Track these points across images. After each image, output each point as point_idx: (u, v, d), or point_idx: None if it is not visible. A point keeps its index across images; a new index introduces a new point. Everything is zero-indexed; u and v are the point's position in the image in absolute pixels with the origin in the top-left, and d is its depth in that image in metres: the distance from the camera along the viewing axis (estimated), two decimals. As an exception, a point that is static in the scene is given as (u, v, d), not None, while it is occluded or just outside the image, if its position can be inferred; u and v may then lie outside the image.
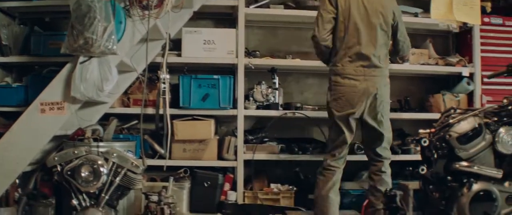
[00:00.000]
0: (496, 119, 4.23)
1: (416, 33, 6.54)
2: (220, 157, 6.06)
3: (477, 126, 4.13)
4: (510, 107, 4.27)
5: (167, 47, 5.68)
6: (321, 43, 4.96)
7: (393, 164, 5.22)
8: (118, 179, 4.42)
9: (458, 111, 4.38)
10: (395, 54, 5.38)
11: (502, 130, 4.14)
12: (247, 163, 6.01)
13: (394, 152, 5.89)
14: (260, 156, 6.03)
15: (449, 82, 6.87)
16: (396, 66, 6.19)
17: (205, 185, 5.83)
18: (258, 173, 6.24)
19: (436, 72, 6.70)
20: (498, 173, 4.14)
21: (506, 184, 4.17)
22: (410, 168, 4.41)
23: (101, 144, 4.53)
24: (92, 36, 4.42)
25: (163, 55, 5.68)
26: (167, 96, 5.64)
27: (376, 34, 4.97)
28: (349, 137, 4.99)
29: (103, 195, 4.39)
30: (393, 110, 6.26)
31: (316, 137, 6.43)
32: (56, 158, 4.42)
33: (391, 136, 5.18)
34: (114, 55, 4.70)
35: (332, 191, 4.98)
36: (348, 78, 4.92)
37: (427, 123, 4.58)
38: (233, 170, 6.05)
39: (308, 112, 6.19)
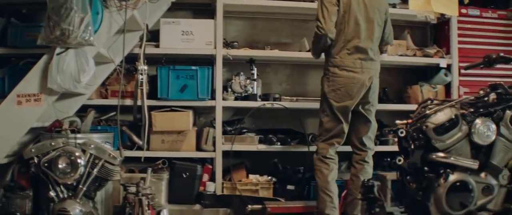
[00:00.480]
0: (472, 110, 4.25)
1: (394, 24, 6.50)
2: (198, 148, 6.06)
3: (453, 117, 4.15)
4: (486, 98, 4.30)
5: (145, 38, 5.65)
6: (329, 35, 4.99)
7: (371, 154, 5.28)
8: (95, 170, 4.41)
9: (435, 101, 4.40)
10: (381, 44, 5.41)
11: (478, 121, 4.16)
12: (225, 154, 6.01)
13: (372, 142, 5.94)
14: (239, 147, 6.03)
15: (427, 73, 6.91)
16: (374, 58, 6.23)
17: (184, 176, 5.85)
18: (237, 164, 6.25)
19: (414, 64, 6.73)
20: (474, 164, 4.17)
21: (482, 175, 4.20)
22: (388, 159, 4.43)
23: (78, 135, 4.52)
24: (69, 27, 4.39)
25: (140, 46, 5.65)
26: (145, 88, 5.64)
27: (374, 29, 5.12)
28: (346, 127, 5.11)
29: (80, 186, 4.38)
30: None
31: (295, 128, 6.42)
32: (33, 150, 4.40)
33: (376, 126, 5.31)
34: (91, 47, 4.68)
35: (334, 180, 5.13)
36: (346, 70, 5.03)
37: (405, 114, 4.61)
38: (211, 161, 6.08)
39: (287, 103, 6.20)
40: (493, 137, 4.18)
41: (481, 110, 4.25)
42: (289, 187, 6.02)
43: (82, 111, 5.41)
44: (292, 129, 6.43)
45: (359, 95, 5.05)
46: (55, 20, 4.42)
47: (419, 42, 6.94)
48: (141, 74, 5.59)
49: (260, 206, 5.58)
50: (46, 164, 4.31)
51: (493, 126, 4.18)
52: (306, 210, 5.53)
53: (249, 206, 5.57)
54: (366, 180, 4.45)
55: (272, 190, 5.98)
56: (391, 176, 5.49)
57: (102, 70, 5.55)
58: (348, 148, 5.35)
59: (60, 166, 4.29)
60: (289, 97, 6.37)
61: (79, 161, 4.31)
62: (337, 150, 5.18)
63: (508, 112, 4.23)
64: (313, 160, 5.20)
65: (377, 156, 5.49)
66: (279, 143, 6.07)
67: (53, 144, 4.39)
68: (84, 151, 4.38)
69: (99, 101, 5.88)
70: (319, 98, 5.22)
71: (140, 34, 5.72)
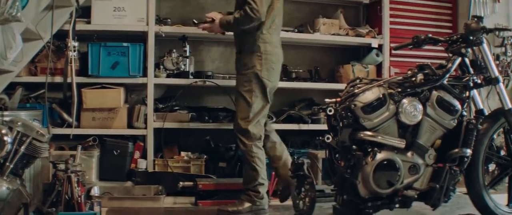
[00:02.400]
0: (400, 89, 4.32)
1: (328, 3, 6.61)
2: (130, 125, 6.03)
3: (381, 96, 4.22)
4: (413, 78, 4.37)
5: (75, 14, 5.60)
6: (262, 20, 4.89)
7: (303, 133, 5.34)
8: (23, 147, 4.34)
9: (364, 81, 4.47)
10: None
11: (405, 100, 4.24)
12: (157, 131, 6.00)
13: (304, 121, 6.00)
14: (171, 124, 6.02)
15: (359, 53, 6.99)
16: (307, 37, 6.31)
17: (115, 153, 5.84)
18: (169, 141, 6.25)
19: (346, 43, 6.80)
20: (401, 143, 4.25)
21: (409, 154, 4.28)
22: (320, 137, 4.47)
23: (5, 113, 4.47)
24: (-5, 3, 4.31)
25: (71, 23, 5.58)
26: (74, 64, 5.59)
27: (282, 5, 5.17)
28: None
29: (7, 164, 4.30)
30: (303, 79, 6.40)
31: (227, 106, 6.44)
32: (-43, 128, 4.33)
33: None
34: (18, 23, 4.59)
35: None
36: (275, 46, 5.05)
37: (337, 93, 4.64)
38: (143, 138, 6.04)
39: (219, 81, 6.22)
40: (420, 117, 4.27)
41: (409, 90, 4.32)
42: (221, 164, 6.07)
43: (11, 89, 5.32)
44: (225, 107, 6.46)
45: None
46: (-20, -4, 4.34)
47: (352, 22, 7.00)
48: (71, 51, 5.53)
49: (191, 183, 5.58)
50: (-29, 142, 4.24)
51: (420, 106, 4.26)
52: (238, 187, 5.52)
53: (181, 182, 5.57)
54: (296, 158, 4.51)
55: (204, 167, 6.00)
56: (322, 154, 5.56)
57: (30, 47, 5.42)
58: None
59: (-15, 143, 4.23)
60: (222, 75, 6.39)
61: (5, 138, 4.22)
62: None
63: (434, 93, 4.32)
64: (246, 147, 5.04)
65: (310, 134, 5.56)
66: (211, 120, 6.08)
67: (-22, 121, 4.32)
68: (11, 128, 4.31)
69: (28, 79, 5.76)
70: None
71: (70, 10, 5.63)
